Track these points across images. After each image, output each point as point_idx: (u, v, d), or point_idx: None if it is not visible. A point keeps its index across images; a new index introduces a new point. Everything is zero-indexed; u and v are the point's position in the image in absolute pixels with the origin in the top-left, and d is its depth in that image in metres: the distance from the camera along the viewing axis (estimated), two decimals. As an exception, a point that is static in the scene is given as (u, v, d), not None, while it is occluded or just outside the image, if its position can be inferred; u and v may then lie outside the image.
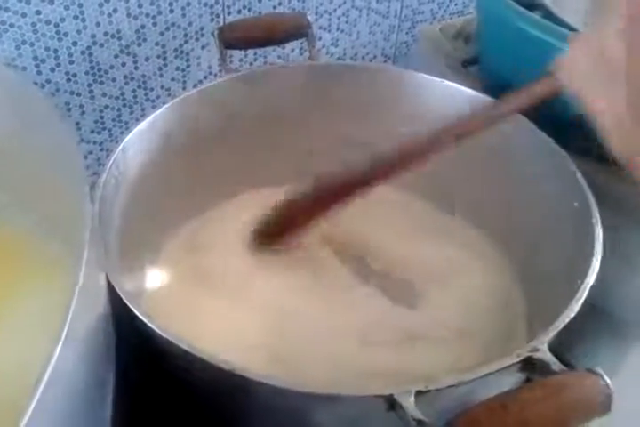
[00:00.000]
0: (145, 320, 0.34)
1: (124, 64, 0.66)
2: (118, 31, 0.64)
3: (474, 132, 0.41)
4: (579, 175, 0.43)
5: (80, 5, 0.61)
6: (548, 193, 0.46)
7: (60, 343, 0.24)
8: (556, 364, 0.32)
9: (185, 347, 0.32)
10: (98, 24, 0.62)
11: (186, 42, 0.68)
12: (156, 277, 0.49)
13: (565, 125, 0.47)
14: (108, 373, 0.33)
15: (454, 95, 0.53)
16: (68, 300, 0.25)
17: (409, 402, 0.30)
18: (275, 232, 0.48)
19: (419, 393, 0.30)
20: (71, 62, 0.63)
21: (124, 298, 0.34)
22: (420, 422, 0.29)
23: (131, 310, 0.34)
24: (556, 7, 0.52)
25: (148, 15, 0.64)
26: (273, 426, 0.37)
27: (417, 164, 0.42)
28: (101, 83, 0.66)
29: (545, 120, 0.47)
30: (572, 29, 0.49)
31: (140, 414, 0.39)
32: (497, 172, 0.51)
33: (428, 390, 0.31)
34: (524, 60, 0.51)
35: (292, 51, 0.75)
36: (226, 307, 0.48)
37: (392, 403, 0.31)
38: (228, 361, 0.31)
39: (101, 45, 0.64)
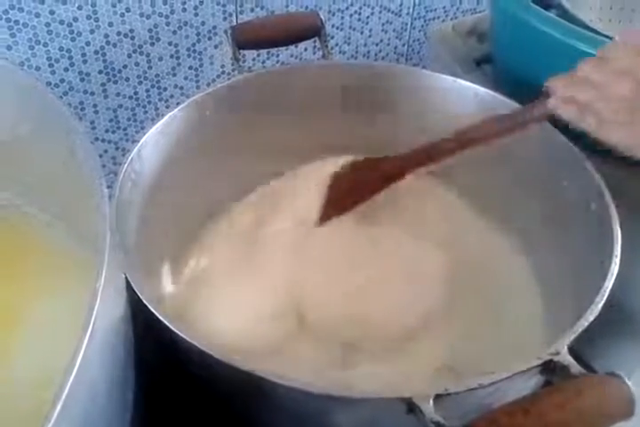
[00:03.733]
0: (164, 321, 0.34)
1: (137, 64, 0.66)
2: (131, 31, 0.64)
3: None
4: (596, 176, 0.43)
5: (93, 5, 0.61)
6: (565, 194, 0.46)
7: (84, 344, 0.24)
8: (575, 367, 0.31)
9: (203, 348, 0.32)
10: (111, 24, 0.63)
11: (199, 41, 0.68)
12: (173, 276, 0.50)
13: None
14: (129, 371, 0.34)
15: (466, 93, 0.52)
16: (89, 301, 0.25)
17: (428, 405, 0.30)
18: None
19: (438, 396, 0.30)
20: (85, 62, 0.64)
21: (142, 298, 0.35)
22: (438, 424, 0.29)
23: (149, 311, 0.34)
24: (570, 5, 0.52)
25: (160, 14, 0.64)
26: (292, 426, 0.37)
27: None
28: (115, 82, 0.66)
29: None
30: (586, 28, 0.48)
31: (158, 412, 0.39)
32: (513, 173, 0.51)
33: (448, 394, 0.31)
34: (538, 59, 0.51)
35: (305, 49, 0.74)
36: (243, 294, 0.48)
37: (411, 406, 0.30)
38: (247, 363, 0.31)
39: (115, 45, 0.64)
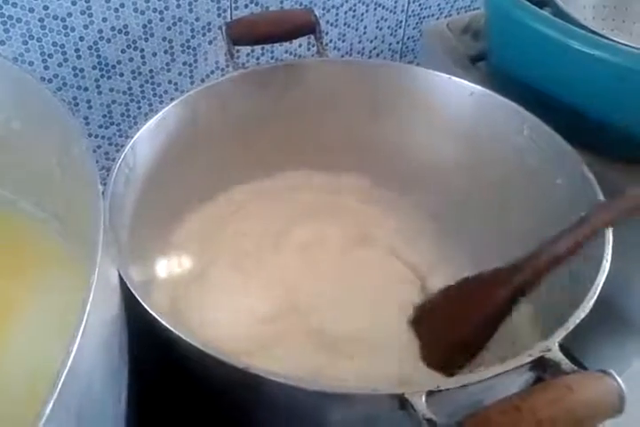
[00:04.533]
0: (157, 317, 0.34)
1: (131, 59, 0.66)
2: (125, 26, 0.64)
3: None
4: (589, 175, 0.43)
5: (87, 0, 0.60)
6: (559, 193, 0.46)
7: (78, 339, 0.24)
8: (567, 364, 0.32)
9: (197, 344, 0.32)
10: (105, 19, 0.62)
11: (193, 37, 0.68)
12: (167, 272, 0.50)
13: (577, 124, 0.47)
14: (123, 366, 0.34)
15: (461, 91, 0.53)
16: (83, 297, 0.26)
17: (420, 402, 0.30)
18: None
19: (430, 393, 0.31)
20: (78, 57, 0.63)
21: (135, 294, 0.35)
22: (430, 421, 0.30)
23: (143, 307, 0.34)
24: (564, 4, 0.52)
25: (155, 10, 0.64)
26: (285, 423, 0.37)
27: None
28: (109, 78, 0.66)
29: (557, 119, 0.47)
30: (580, 26, 0.49)
31: (152, 408, 0.39)
32: (507, 171, 0.51)
33: (440, 390, 0.31)
34: (533, 57, 0.51)
35: (300, 46, 0.74)
36: (238, 290, 0.48)
37: (403, 402, 0.31)
38: (241, 360, 0.32)
39: (108, 40, 0.64)
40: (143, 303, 0.34)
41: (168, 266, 0.50)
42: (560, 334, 0.34)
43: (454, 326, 0.41)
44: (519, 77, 0.52)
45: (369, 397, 0.31)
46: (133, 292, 0.35)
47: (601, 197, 0.42)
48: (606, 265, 0.38)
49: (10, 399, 0.34)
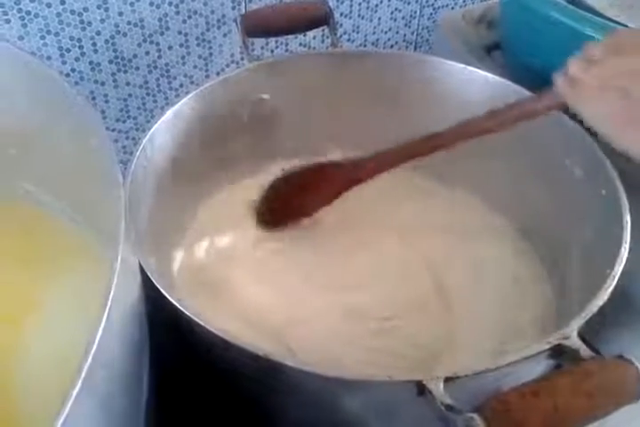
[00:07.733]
0: (176, 304, 0.34)
1: (147, 53, 0.67)
2: (141, 20, 0.64)
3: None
4: (607, 163, 0.43)
5: (103, -5, 0.61)
6: (576, 181, 0.46)
7: (102, 327, 0.24)
8: (585, 351, 0.32)
9: (216, 331, 0.33)
10: (121, 13, 0.63)
11: (208, 30, 0.68)
12: (185, 260, 0.50)
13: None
14: (144, 354, 0.34)
15: (477, 80, 0.53)
16: (104, 286, 0.26)
17: (438, 388, 0.30)
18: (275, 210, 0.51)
19: (448, 379, 0.31)
20: (95, 51, 0.64)
21: (155, 282, 0.35)
22: (448, 407, 0.30)
23: (162, 294, 0.35)
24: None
25: (170, 4, 0.65)
26: (304, 410, 0.38)
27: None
28: (125, 72, 0.67)
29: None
30: (595, 13, 0.48)
31: (172, 396, 0.39)
32: (525, 160, 0.51)
33: (458, 377, 0.31)
34: (547, 45, 0.51)
35: (314, 37, 0.74)
36: (250, 282, 0.49)
37: (422, 389, 0.31)
38: (261, 347, 0.32)
39: (125, 34, 0.64)
40: (162, 291, 0.35)
41: (186, 255, 0.51)
42: (578, 322, 0.34)
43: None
44: (534, 66, 0.52)
45: (387, 383, 0.32)
46: (152, 279, 0.35)
47: (618, 183, 0.42)
48: (624, 255, 0.37)
49: (38, 385, 0.35)
